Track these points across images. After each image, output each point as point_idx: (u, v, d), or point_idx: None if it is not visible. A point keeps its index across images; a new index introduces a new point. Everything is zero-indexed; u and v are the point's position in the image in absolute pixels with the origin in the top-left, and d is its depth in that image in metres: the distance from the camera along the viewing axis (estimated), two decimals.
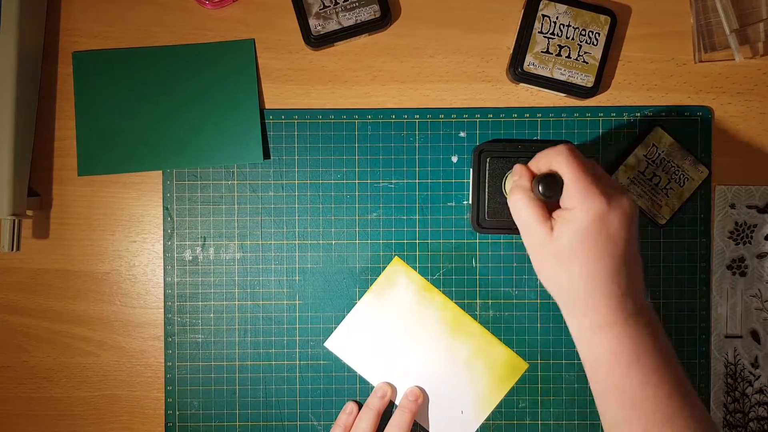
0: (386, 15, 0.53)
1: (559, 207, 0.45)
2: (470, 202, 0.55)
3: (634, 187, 0.54)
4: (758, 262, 0.56)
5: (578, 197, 0.43)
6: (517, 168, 0.48)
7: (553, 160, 0.45)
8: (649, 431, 0.43)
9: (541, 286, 0.56)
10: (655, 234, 0.56)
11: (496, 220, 0.54)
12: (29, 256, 0.57)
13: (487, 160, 0.54)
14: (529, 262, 0.56)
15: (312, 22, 0.53)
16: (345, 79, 0.56)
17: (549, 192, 0.44)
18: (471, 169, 0.55)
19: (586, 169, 0.43)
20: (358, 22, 0.53)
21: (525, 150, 0.54)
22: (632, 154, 0.54)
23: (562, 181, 0.44)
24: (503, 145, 0.54)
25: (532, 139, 0.56)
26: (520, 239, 0.56)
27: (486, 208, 0.54)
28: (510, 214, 0.53)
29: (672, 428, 0.42)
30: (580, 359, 0.55)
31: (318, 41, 0.54)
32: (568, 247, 0.43)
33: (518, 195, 0.46)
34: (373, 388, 0.56)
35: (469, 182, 0.56)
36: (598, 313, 0.43)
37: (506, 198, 0.52)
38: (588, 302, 0.44)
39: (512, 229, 0.54)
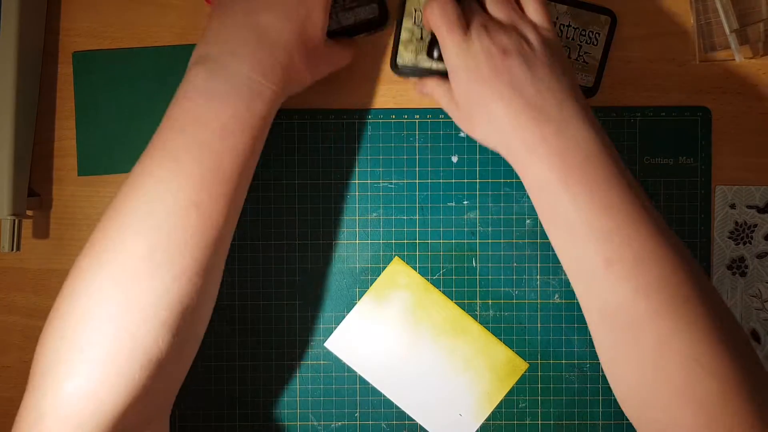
0: (385, 15, 0.53)
1: None
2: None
3: None
4: (758, 262, 0.56)
5: (444, 55, 0.45)
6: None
7: (427, 18, 0.45)
8: (609, 257, 0.40)
9: (542, 285, 0.56)
10: None
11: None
12: (29, 256, 0.57)
13: None
14: (530, 261, 0.56)
15: None
16: (345, 79, 0.56)
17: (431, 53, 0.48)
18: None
19: (442, 20, 0.44)
20: (358, 21, 0.53)
21: None
22: None
23: None
24: None
25: None
26: (521, 240, 0.56)
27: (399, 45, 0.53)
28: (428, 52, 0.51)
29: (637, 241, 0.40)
30: (580, 359, 0.56)
31: None
32: (466, 96, 0.44)
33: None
34: (373, 388, 0.55)
35: (466, 182, 0.56)
36: (526, 141, 0.42)
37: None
38: (514, 130, 0.43)
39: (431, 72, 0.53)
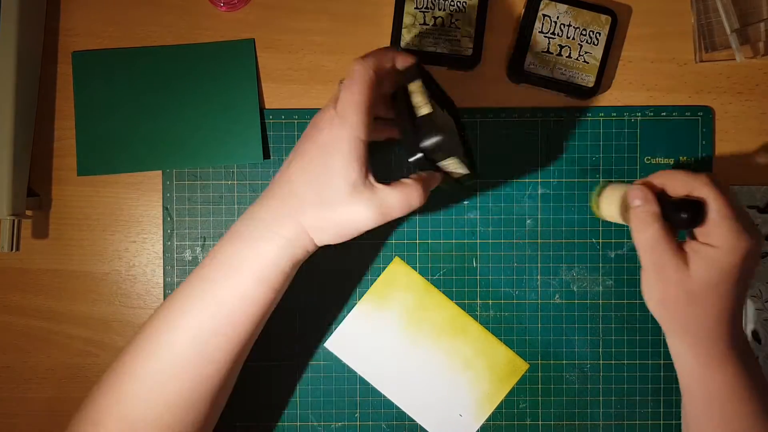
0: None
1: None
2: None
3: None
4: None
5: (726, 236, 0.42)
6: (639, 191, 0.45)
7: (696, 187, 0.43)
8: None
9: (542, 285, 0.56)
10: None
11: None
12: (29, 256, 0.57)
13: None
14: (530, 261, 0.56)
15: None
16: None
17: (693, 223, 0.42)
18: None
19: (733, 204, 0.43)
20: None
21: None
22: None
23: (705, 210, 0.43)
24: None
25: None
26: (521, 240, 0.56)
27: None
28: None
29: None
30: (580, 359, 0.56)
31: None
32: (704, 287, 0.43)
33: (653, 228, 0.44)
34: (373, 388, 0.55)
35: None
36: (718, 349, 0.44)
37: (597, 211, 0.50)
38: (710, 338, 0.44)
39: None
